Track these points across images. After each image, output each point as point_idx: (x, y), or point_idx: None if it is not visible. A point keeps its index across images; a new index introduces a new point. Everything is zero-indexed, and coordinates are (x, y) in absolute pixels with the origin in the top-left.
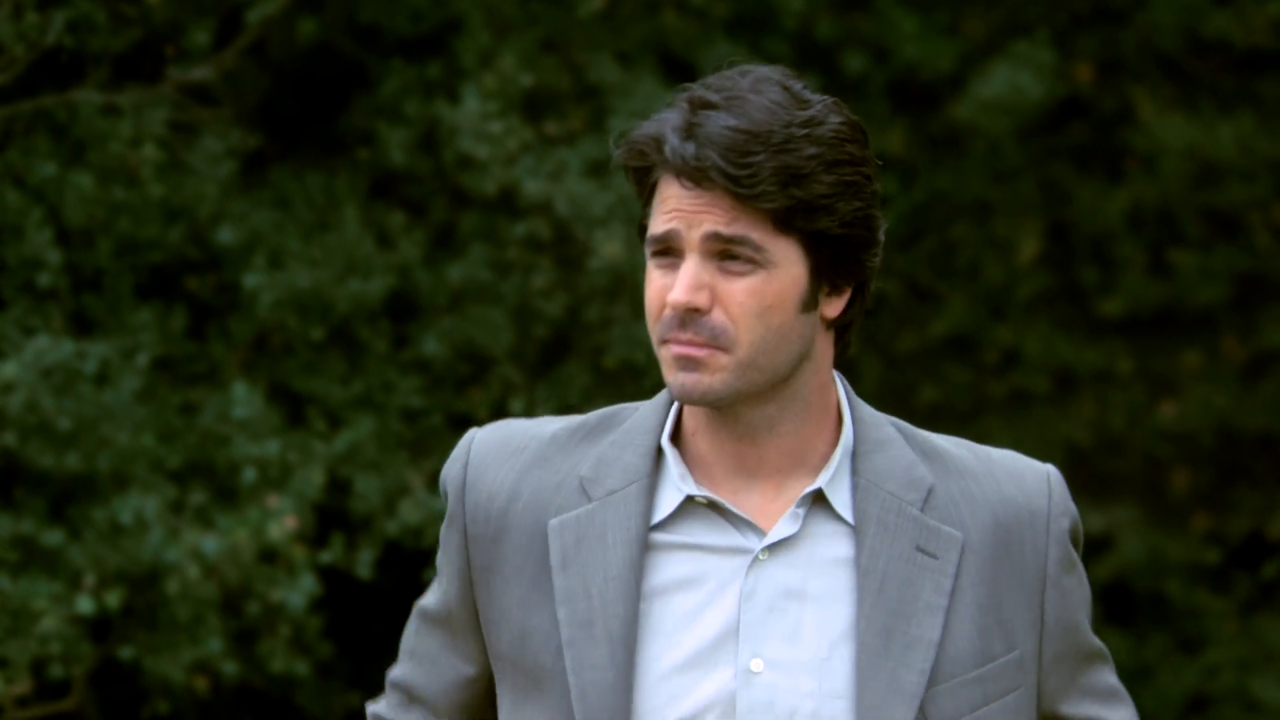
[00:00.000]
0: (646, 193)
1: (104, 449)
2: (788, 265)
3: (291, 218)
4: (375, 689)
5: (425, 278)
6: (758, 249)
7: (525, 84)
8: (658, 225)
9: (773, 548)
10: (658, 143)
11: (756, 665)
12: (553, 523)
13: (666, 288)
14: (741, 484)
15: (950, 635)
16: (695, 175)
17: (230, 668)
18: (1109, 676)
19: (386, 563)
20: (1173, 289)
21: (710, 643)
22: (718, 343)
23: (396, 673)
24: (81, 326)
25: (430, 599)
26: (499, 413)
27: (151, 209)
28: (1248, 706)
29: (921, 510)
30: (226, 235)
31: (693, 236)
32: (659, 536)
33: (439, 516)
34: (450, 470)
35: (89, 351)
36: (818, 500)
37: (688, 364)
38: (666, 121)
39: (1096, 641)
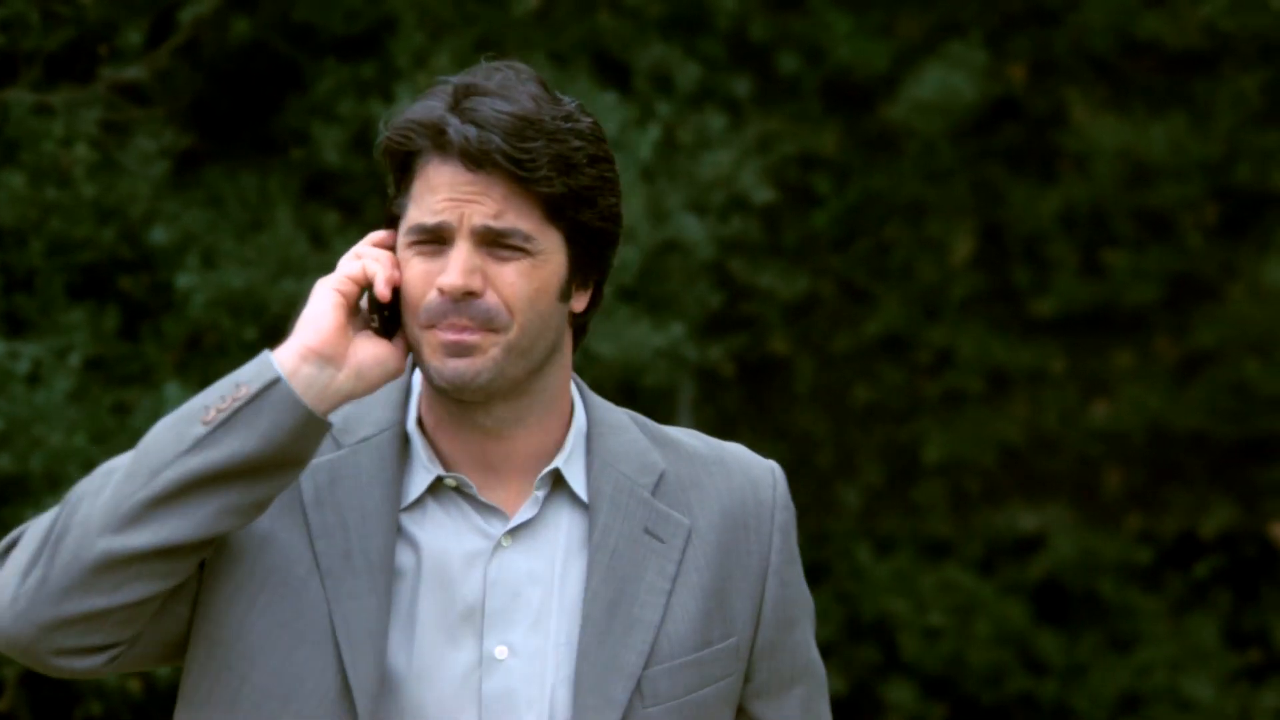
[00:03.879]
0: (405, 180)
1: (36, 450)
2: (552, 254)
3: (225, 217)
4: None
5: None
6: (527, 238)
7: None
8: (425, 215)
9: (514, 533)
10: (436, 126)
11: (501, 653)
12: None
13: (431, 273)
14: (486, 477)
15: (671, 618)
16: (478, 157)
17: (164, 669)
18: (812, 701)
19: None
20: (1105, 289)
21: (454, 626)
22: (491, 325)
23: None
24: (13, 326)
25: None
26: None
27: (84, 209)
28: (1179, 705)
29: (652, 494)
30: (159, 235)
31: (464, 226)
32: (406, 518)
33: None
34: None
35: (21, 351)
36: (556, 483)
37: (460, 349)
38: (435, 107)
39: (812, 653)
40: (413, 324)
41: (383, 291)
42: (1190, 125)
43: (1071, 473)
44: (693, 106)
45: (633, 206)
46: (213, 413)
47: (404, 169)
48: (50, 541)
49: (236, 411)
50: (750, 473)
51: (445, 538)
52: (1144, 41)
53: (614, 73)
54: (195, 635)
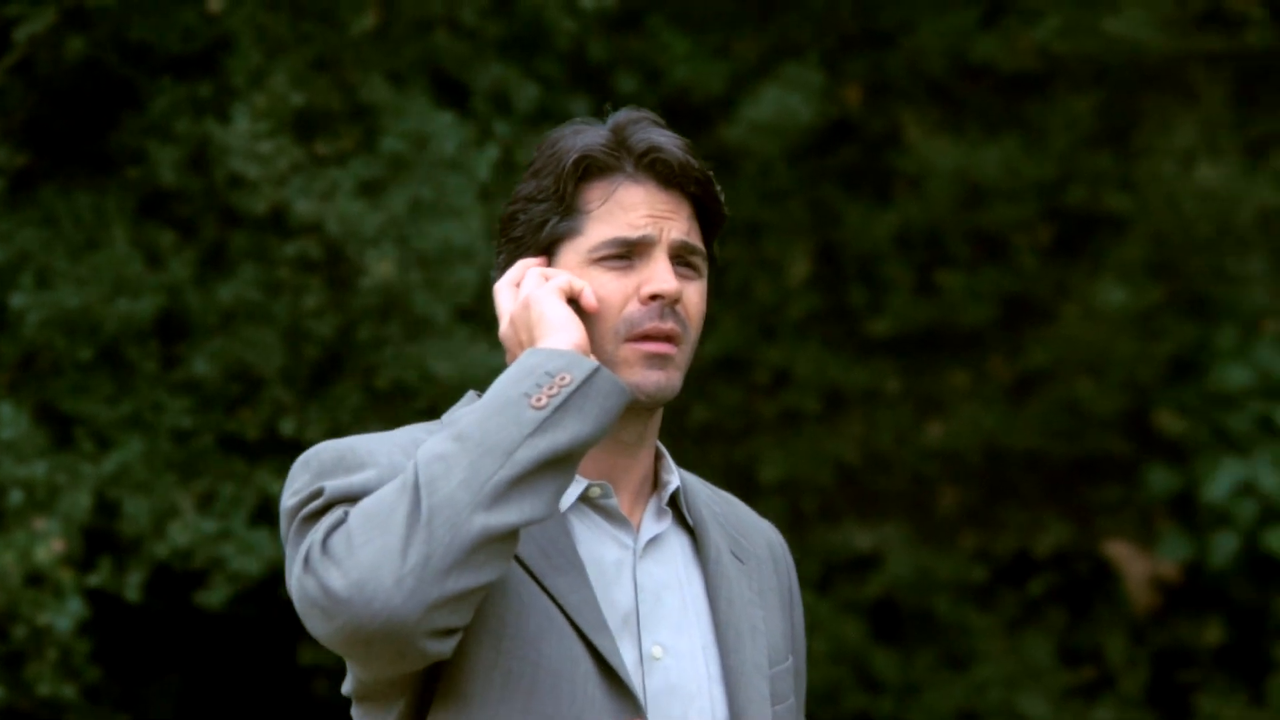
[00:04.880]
0: (569, 204)
1: None
2: (705, 277)
3: (59, 236)
4: (144, 711)
5: (195, 297)
6: (705, 259)
7: (296, 103)
8: (625, 230)
9: (646, 545)
10: (641, 148)
11: (658, 652)
12: None
13: (626, 287)
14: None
15: (769, 629)
16: (680, 177)
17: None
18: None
19: (155, 585)
20: (940, 309)
21: (616, 628)
22: (682, 336)
23: None
24: None
25: None
26: (270, 434)
27: None
28: None
29: (723, 522)
30: None
31: (664, 239)
32: None
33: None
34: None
35: None
36: (669, 502)
37: (660, 362)
38: (610, 135)
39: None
40: (605, 338)
41: (592, 303)
42: (1024, 147)
43: (907, 491)
44: (531, 126)
45: (471, 227)
46: (543, 399)
47: (579, 188)
48: (421, 523)
49: (569, 398)
50: (754, 513)
51: (596, 545)
52: (978, 64)
53: (452, 92)
54: (476, 634)
